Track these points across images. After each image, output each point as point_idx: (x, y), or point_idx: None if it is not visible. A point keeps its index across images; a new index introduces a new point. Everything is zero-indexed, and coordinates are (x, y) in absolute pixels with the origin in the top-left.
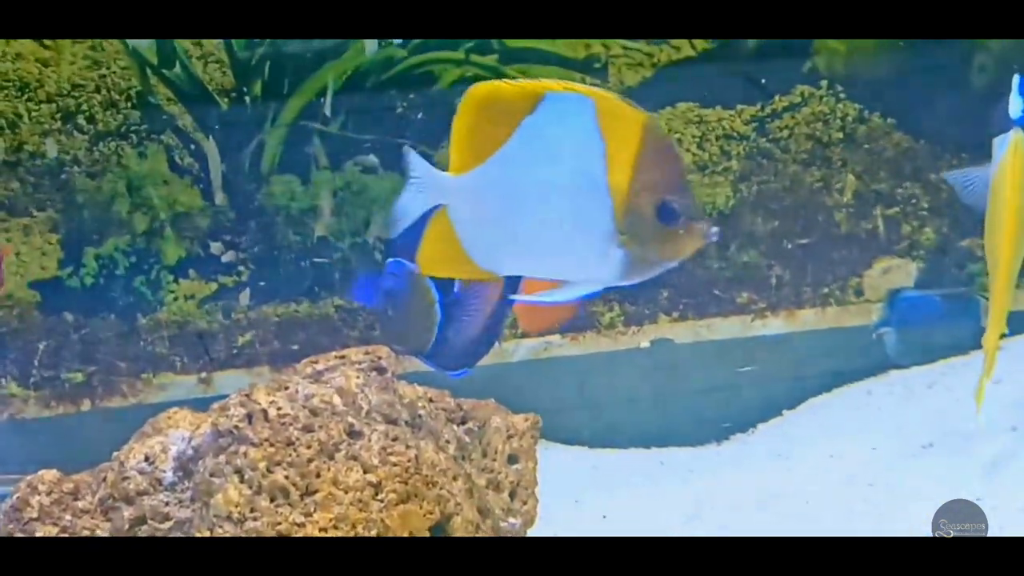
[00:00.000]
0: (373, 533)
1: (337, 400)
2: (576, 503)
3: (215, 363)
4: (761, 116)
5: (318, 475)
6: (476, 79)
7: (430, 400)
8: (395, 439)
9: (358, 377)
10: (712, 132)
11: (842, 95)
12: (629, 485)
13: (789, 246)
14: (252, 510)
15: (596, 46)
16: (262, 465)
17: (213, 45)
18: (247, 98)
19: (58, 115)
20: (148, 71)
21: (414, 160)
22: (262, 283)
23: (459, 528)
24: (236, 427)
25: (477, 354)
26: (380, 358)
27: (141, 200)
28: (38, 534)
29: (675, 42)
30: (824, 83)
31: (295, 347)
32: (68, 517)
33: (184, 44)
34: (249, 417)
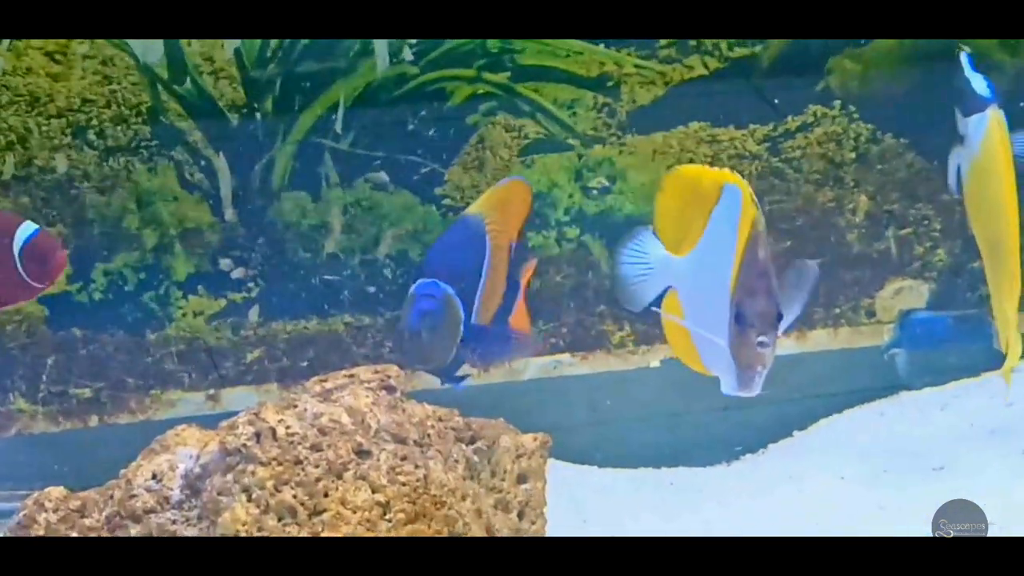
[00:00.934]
0: None
1: (346, 419)
2: (584, 523)
3: (223, 380)
4: (774, 136)
5: (326, 494)
6: (487, 96)
7: (439, 419)
8: (404, 458)
9: (367, 396)
10: (724, 152)
11: (855, 115)
12: (638, 505)
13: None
14: (260, 529)
15: (609, 64)
16: (270, 484)
17: (224, 61)
18: (258, 114)
19: (68, 130)
20: (159, 86)
21: (649, 241)
22: (271, 300)
23: None
24: (244, 445)
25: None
26: (389, 377)
27: (151, 216)
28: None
29: (688, 61)
30: (837, 103)
31: (304, 364)
32: (75, 535)
33: (195, 59)
34: (257, 435)
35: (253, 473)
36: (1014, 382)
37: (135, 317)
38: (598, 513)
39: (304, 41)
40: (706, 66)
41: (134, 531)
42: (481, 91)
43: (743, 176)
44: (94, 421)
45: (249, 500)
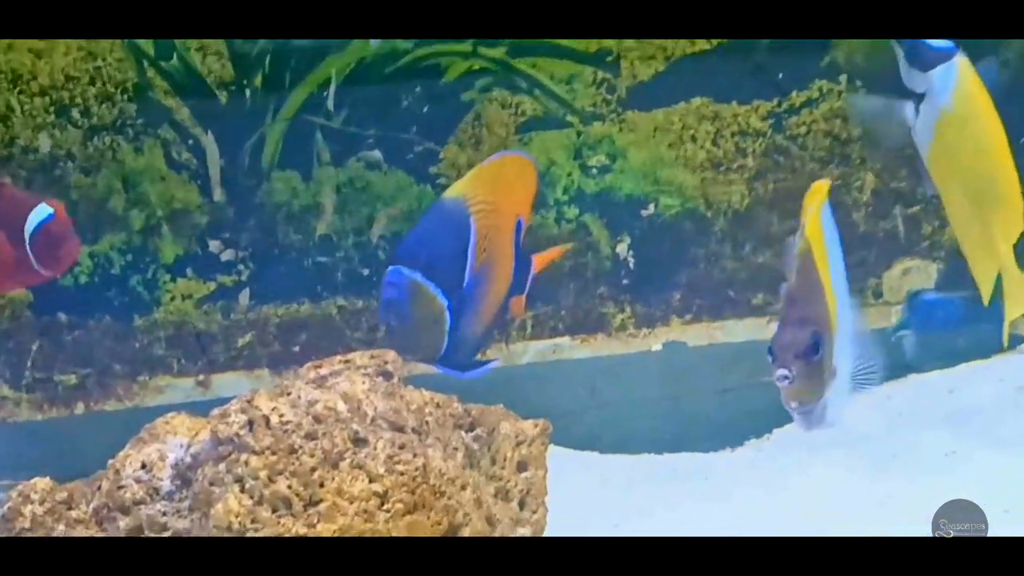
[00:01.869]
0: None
1: (341, 406)
2: (586, 512)
3: (214, 365)
4: (778, 112)
5: (322, 484)
6: (483, 72)
7: (437, 405)
8: (402, 447)
9: (363, 382)
10: (727, 128)
11: (862, 90)
12: (641, 493)
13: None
14: (253, 521)
15: (607, 39)
16: (263, 474)
17: None
18: (247, 91)
19: (51, 108)
20: (144, 63)
21: None
22: (262, 283)
23: None
24: (237, 434)
25: (480, 347)
26: (386, 363)
27: (137, 197)
28: None
29: None
30: (843, 78)
31: (296, 349)
32: (61, 527)
33: None
34: (250, 424)
35: (246, 463)
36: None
37: (122, 301)
38: (600, 501)
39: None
40: (708, 40)
41: (123, 523)
42: (477, 67)
43: (746, 155)
44: (80, 408)
45: (242, 491)
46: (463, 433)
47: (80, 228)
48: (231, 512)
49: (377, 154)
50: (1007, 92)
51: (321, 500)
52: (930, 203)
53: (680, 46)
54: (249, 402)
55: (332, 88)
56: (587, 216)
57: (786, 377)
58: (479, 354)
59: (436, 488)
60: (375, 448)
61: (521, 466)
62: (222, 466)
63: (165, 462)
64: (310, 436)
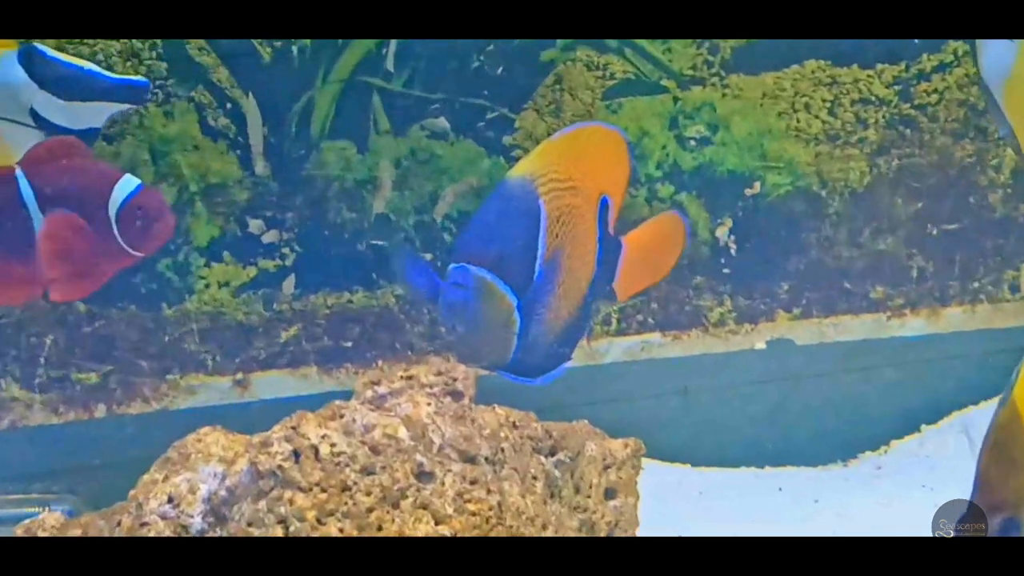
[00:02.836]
0: None
1: (403, 433)
2: (676, 532)
3: (254, 362)
4: (905, 78)
5: (380, 528)
6: None
7: (514, 426)
8: (473, 482)
9: (429, 404)
10: (846, 96)
11: None
12: (741, 515)
13: (934, 232)
14: None
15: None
16: (311, 515)
17: None
18: (294, 48)
19: None
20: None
21: None
22: (310, 268)
23: None
24: (280, 467)
25: (561, 355)
26: (455, 380)
27: (167, 169)
28: None
29: None
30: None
31: (348, 344)
32: None
33: None
34: (296, 455)
35: (291, 501)
36: None
37: (149, 289)
38: (693, 524)
39: None
40: None
41: None
42: None
43: (868, 126)
44: (101, 411)
45: (286, 534)
46: (543, 458)
47: None
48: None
49: (443, 122)
50: None
51: None
52: None
53: None
54: (295, 428)
55: (392, 46)
56: (683, 195)
57: None
58: (557, 359)
59: (513, 530)
60: (442, 484)
61: (609, 493)
62: (263, 504)
63: (196, 495)
64: (366, 470)
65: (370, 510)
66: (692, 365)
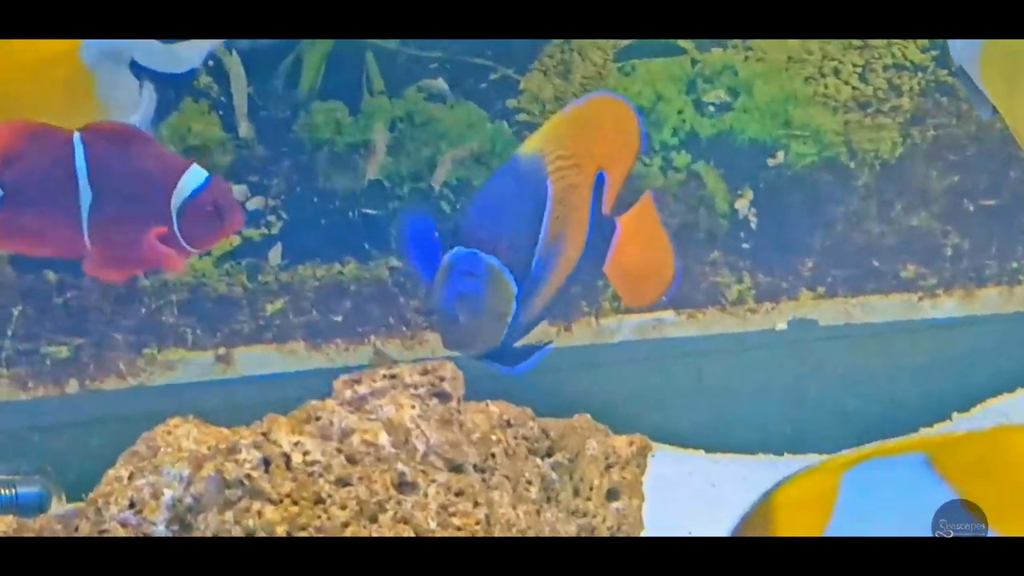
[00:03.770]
0: None
1: (384, 439)
2: (688, 524)
3: (237, 336)
4: (941, 42)
5: None
6: None
7: (508, 424)
8: (459, 493)
9: (413, 407)
10: (879, 61)
11: None
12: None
13: (971, 208)
14: None
15: None
16: (281, 529)
17: None
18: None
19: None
20: None
21: None
22: (297, 238)
23: None
24: (248, 476)
25: (530, 330)
26: (443, 379)
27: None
28: None
29: None
30: None
31: (339, 319)
32: None
33: None
34: (266, 463)
35: (259, 513)
36: None
37: None
38: (705, 522)
39: None
40: None
41: None
42: None
43: (901, 93)
44: (72, 386)
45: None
46: (539, 460)
47: None
48: None
49: (441, 83)
50: None
51: None
52: None
53: None
54: (265, 434)
55: None
56: (700, 164)
57: None
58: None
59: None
60: (425, 495)
61: (612, 495)
62: (229, 515)
63: (160, 500)
64: (342, 481)
65: (345, 524)
66: (708, 345)
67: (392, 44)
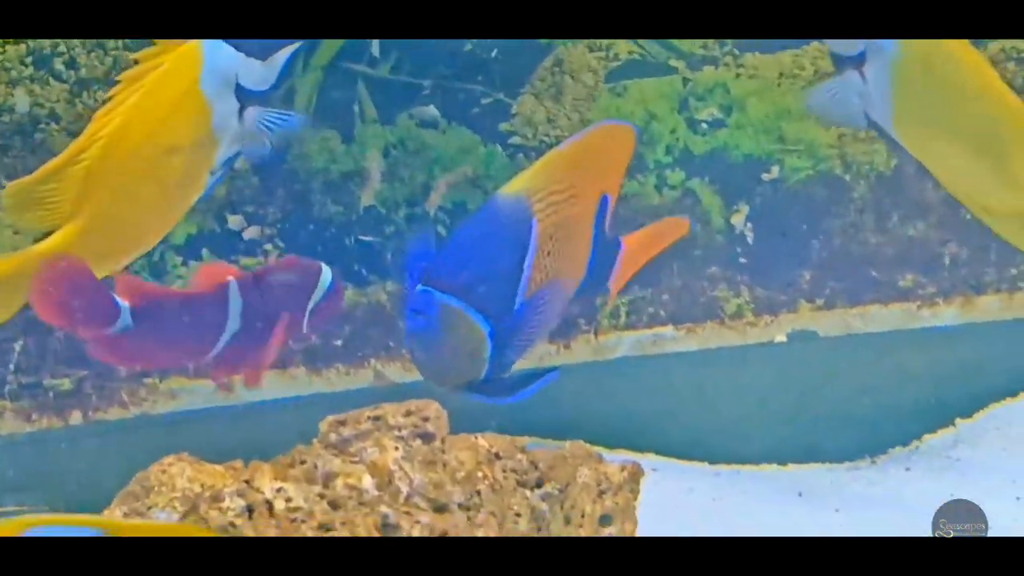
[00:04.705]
0: None
1: (367, 482)
2: (689, 532)
3: None
4: None
5: None
6: None
7: (496, 457)
8: (444, 534)
9: (396, 448)
10: None
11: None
12: (760, 514)
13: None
14: None
15: None
16: None
17: None
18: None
19: (28, 59)
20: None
21: None
22: None
23: None
24: (232, 524)
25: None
26: (426, 420)
27: None
28: None
29: None
30: None
31: (339, 343)
32: None
33: None
34: (249, 510)
35: None
36: None
37: None
38: (707, 522)
39: None
40: None
41: None
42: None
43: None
44: (76, 417)
45: None
46: (528, 492)
47: None
48: None
49: (433, 109)
50: None
51: None
52: None
53: None
54: (248, 482)
55: None
56: (695, 181)
57: None
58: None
59: None
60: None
61: (604, 520)
62: None
63: None
64: (325, 527)
65: None
66: (708, 359)
67: (383, 72)
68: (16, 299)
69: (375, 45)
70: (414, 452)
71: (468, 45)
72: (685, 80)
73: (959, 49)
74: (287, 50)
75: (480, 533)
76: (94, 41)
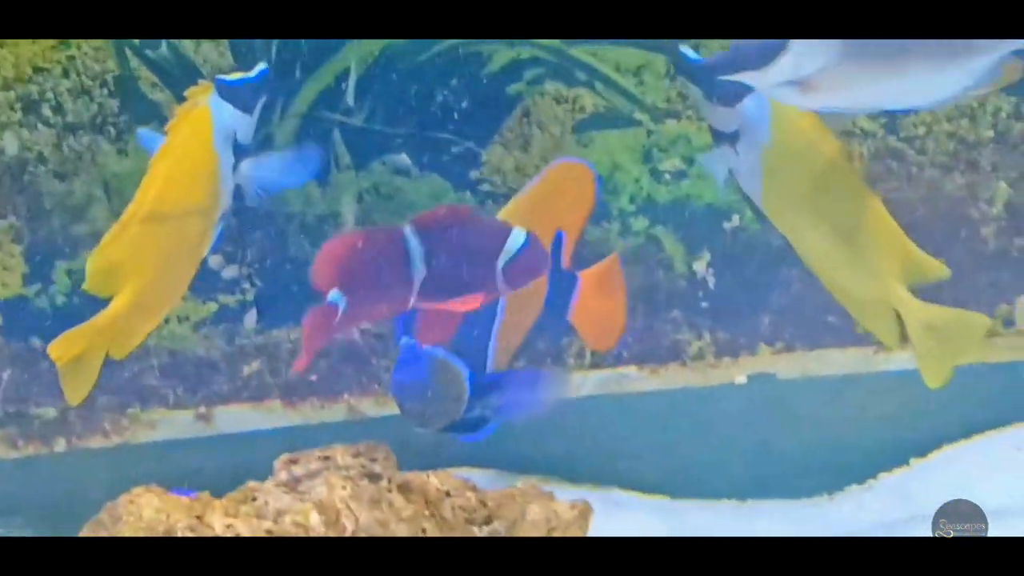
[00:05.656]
0: None
1: (315, 519)
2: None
3: (217, 396)
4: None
5: None
6: (533, 62)
7: (446, 495)
8: None
9: (344, 487)
10: (830, 128)
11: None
12: None
13: None
14: None
15: None
16: None
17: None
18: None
19: (18, 104)
20: (127, 51)
21: None
22: (272, 303)
23: None
24: None
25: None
26: (375, 460)
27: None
28: None
29: None
30: None
31: (313, 378)
32: None
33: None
34: None
35: None
36: None
37: None
38: None
39: None
40: None
41: None
42: (524, 55)
43: (853, 158)
44: (60, 445)
45: None
46: (475, 529)
47: (55, 242)
48: None
49: (405, 158)
50: None
51: None
52: None
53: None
54: (199, 518)
55: (352, 80)
56: (658, 228)
57: None
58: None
59: None
60: None
61: None
62: None
63: None
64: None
65: None
66: (670, 399)
67: (358, 121)
68: (93, 373)
69: (350, 94)
70: (361, 491)
71: (440, 96)
72: (649, 132)
73: (824, 142)
74: (261, 102)
75: None
76: (80, 86)
